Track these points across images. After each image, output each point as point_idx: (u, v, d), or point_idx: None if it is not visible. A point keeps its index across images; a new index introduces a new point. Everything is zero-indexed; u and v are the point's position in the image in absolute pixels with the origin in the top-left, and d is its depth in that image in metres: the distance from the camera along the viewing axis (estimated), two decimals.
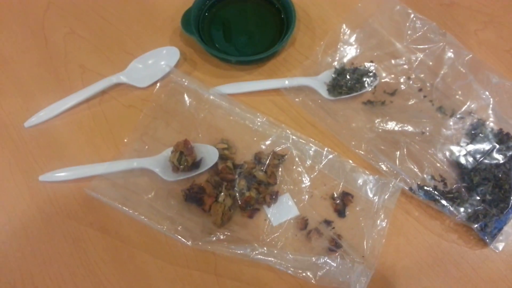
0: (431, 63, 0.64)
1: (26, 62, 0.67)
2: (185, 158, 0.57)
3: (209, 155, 0.58)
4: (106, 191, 0.56)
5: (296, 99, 0.63)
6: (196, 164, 0.57)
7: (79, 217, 0.56)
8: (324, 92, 0.63)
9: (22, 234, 0.56)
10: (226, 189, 0.56)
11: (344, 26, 0.67)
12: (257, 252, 0.52)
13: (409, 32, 0.66)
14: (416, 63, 0.64)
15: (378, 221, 0.54)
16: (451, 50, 0.64)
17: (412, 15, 0.66)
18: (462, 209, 0.54)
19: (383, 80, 0.64)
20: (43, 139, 0.61)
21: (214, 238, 0.53)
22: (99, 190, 0.56)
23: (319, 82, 0.63)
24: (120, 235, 0.55)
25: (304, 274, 0.51)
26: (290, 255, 0.52)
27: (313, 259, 0.52)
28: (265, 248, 0.53)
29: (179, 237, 0.53)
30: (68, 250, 0.55)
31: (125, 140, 0.60)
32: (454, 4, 0.71)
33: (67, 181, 0.58)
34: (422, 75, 0.64)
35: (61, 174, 0.59)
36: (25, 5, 0.72)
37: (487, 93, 0.61)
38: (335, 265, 0.52)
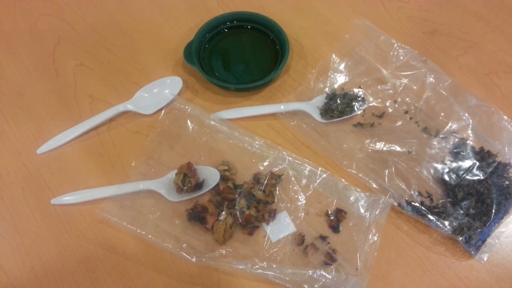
0: (415, 87, 0.68)
1: (38, 93, 0.71)
2: (188, 179, 0.60)
3: (211, 176, 0.61)
4: (115, 212, 0.59)
5: (291, 123, 0.67)
6: (199, 185, 0.60)
7: (88, 238, 0.59)
8: (317, 116, 0.67)
9: (35, 255, 0.58)
10: (227, 208, 0.59)
11: (334, 55, 0.71)
12: (257, 267, 0.55)
13: (393, 60, 0.70)
14: (401, 88, 0.68)
15: (370, 236, 0.57)
16: (432, 76, 0.68)
17: (395, 45, 0.71)
18: (447, 223, 0.57)
19: (371, 104, 0.68)
20: (55, 164, 0.65)
21: (217, 255, 0.56)
22: (109, 211, 0.59)
23: (312, 107, 0.67)
24: (128, 254, 0.58)
25: (301, 287, 0.54)
26: (289, 269, 0.55)
27: (310, 272, 0.55)
28: (265, 263, 0.56)
29: (184, 254, 0.56)
30: (78, 269, 0.57)
31: (132, 164, 0.63)
32: (436, 32, 0.76)
33: (78, 203, 0.61)
34: (407, 99, 0.68)
35: (72, 197, 0.62)
36: (37, 40, 0.76)
37: (466, 114, 0.65)
38: (330, 277, 0.54)
